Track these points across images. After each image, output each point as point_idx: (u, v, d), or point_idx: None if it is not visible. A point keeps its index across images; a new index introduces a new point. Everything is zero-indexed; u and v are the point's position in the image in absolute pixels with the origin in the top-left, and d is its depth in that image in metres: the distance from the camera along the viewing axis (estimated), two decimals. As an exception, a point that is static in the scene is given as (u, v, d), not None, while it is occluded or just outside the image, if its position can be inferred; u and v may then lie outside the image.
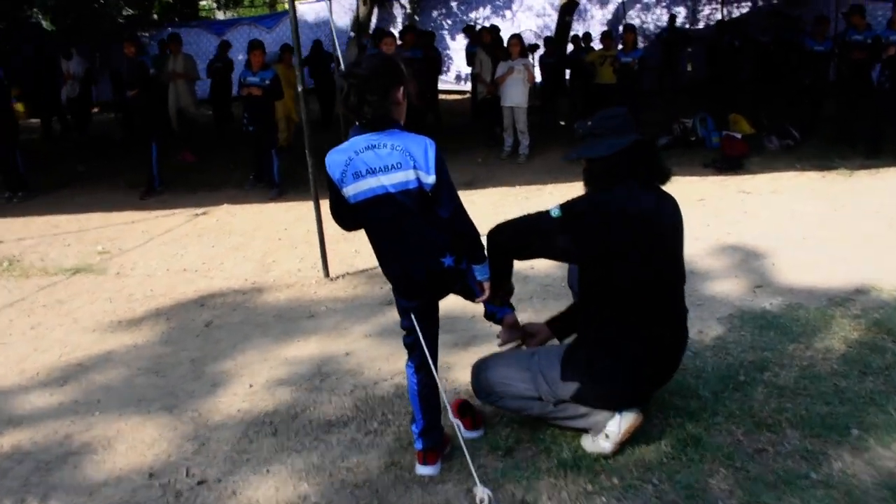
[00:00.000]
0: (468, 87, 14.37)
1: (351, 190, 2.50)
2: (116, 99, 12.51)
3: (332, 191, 2.59)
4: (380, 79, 2.45)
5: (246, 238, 6.43)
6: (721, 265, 4.99)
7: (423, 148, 2.45)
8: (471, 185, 8.06)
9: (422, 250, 2.55)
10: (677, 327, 2.82)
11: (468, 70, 13.18)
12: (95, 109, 16.05)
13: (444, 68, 16.39)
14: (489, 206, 6.92)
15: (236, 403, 3.49)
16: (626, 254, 2.62)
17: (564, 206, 2.66)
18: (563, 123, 12.03)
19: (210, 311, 4.71)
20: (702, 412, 3.06)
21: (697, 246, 5.38)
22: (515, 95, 9.32)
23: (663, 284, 2.73)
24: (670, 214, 2.75)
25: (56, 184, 9.14)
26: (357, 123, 2.52)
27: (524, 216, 2.80)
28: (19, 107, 16.24)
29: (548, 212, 2.67)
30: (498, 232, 2.77)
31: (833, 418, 2.98)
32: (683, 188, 7.24)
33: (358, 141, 2.48)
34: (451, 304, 2.96)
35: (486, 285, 2.69)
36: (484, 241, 2.70)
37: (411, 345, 2.72)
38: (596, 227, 2.63)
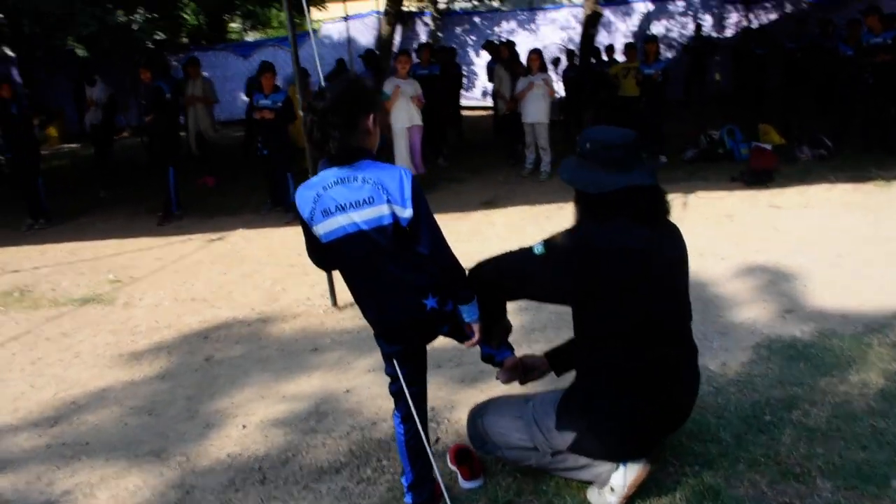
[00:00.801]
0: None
1: (321, 229, 2.30)
2: (142, 124, 12.62)
3: (304, 230, 2.40)
4: (345, 109, 2.23)
5: (258, 265, 6.29)
6: (748, 288, 4.70)
7: (397, 179, 2.23)
8: (491, 204, 7.86)
9: (400, 292, 2.33)
10: (683, 370, 2.55)
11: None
12: (125, 134, 16.22)
13: (469, 84, 16.23)
14: (508, 227, 6.68)
15: (227, 447, 3.32)
16: (619, 294, 2.35)
17: (548, 243, 2.41)
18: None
19: (212, 345, 4.56)
20: (722, 459, 2.80)
21: (723, 266, 5.10)
22: (536, 111, 9.10)
23: (665, 324, 2.45)
24: (671, 248, 2.47)
25: (78, 210, 9.14)
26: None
27: (506, 254, 2.54)
28: (52, 131, 16.54)
29: (531, 248, 2.42)
30: (479, 271, 2.54)
31: (870, 466, 2.70)
32: (710, 204, 6.97)
33: (327, 175, 2.28)
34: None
35: (477, 327, 2.46)
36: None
37: (396, 393, 2.51)
38: (583, 264, 2.34)
